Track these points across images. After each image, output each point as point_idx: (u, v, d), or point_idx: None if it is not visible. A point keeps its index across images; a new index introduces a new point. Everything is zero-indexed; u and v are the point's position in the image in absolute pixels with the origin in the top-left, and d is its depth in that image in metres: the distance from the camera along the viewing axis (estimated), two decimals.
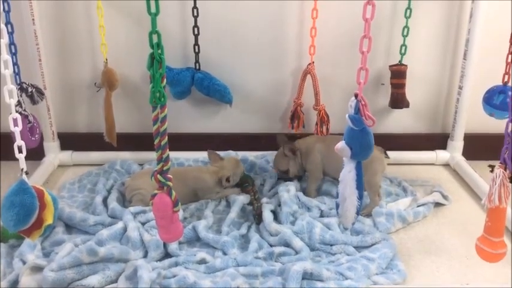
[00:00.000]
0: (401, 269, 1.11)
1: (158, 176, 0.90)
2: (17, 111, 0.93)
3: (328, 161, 1.39)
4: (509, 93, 1.22)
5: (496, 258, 0.95)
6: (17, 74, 1.29)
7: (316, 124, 1.56)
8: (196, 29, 1.52)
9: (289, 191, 1.36)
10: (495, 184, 0.89)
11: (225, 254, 1.15)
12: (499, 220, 0.93)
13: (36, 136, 1.27)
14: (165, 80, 0.85)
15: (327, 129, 1.55)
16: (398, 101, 1.57)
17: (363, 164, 0.96)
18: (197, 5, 1.49)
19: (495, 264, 1.12)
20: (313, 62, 1.54)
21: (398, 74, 1.55)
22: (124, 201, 1.38)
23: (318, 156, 1.40)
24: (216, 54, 1.58)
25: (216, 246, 1.18)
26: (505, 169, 0.89)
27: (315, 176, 1.42)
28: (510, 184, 0.91)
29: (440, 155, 1.67)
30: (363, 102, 0.88)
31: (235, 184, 1.43)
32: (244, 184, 1.44)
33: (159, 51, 0.83)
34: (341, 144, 0.94)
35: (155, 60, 0.83)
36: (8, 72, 0.90)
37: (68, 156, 1.63)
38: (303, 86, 1.57)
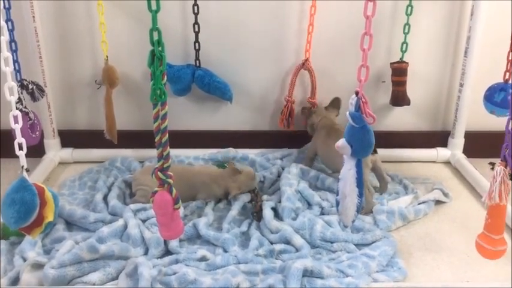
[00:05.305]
0: (401, 267, 1.11)
1: (159, 173, 0.90)
2: (17, 109, 0.93)
3: (322, 150, 1.45)
4: (510, 90, 1.22)
5: (496, 255, 0.95)
6: (17, 71, 1.29)
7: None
8: (196, 26, 1.52)
9: (291, 186, 1.36)
10: (495, 181, 0.89)
11: (225, 251, 1.16)
12: (499, 217, 0.93)
13: (37, 133, 1.28)
14: (165, 77, 0.85)
15: None
16: (399, 98, 1.57)
17: None
18: (197, 2, 1.49)
19: (496, 262, 1.12)
20: (307, 59, 1.55)
21: (399, 71, 1.55)
22: (124, 198, 1.38)
23: (313, 143, 1.48)
24: (217, 51, 1.58)
25: (216, 243, 1.18)
26: (506, 166, 0.89)
27: (308, 152, 1.54)
28: (510, 181, 0.91)
29: (441, 152, 1.67)
30: (364, 100, 0.88)
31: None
32: None
33: (160, 48, 0.82)
34: (341, 142, 0.94)
35: (156, 57, 0.83)
36: (9, 69, 0.90)
37: (68, 153, 1.63)
38: (295, 82, 1.58)
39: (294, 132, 1.62)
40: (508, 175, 0.90)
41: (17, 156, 0.90)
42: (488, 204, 0.92)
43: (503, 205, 0.91)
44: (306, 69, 1.56)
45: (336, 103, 1.54)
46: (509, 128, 0.88)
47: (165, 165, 0.90)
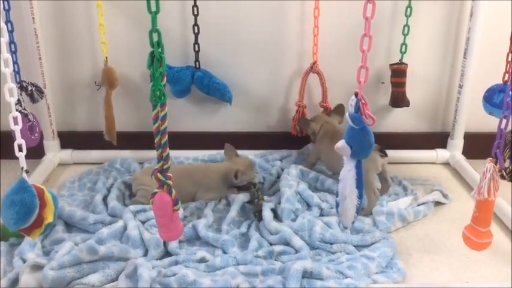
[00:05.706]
0: (401, 268, 1.11)
1: (158, 174, 0.90)
2: (17, 110, 0.93)
3: (327, 155, 1.44)
4: (509, 91, 1.22)
5: (482, 247, 0.98)
6: (17, 72, 1.29)
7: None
8: (196, 28, 1.52)
9: (291, 187, 1.36)
10: (485, 178, 0.92)
11: (225, 252, 1.16)
12: (487, 211, 0.96)
13: (36, 135, 1.27)
14: (165, 78, 0.85)
15: None
16: (398, 99, 1.57)
17: None
18: (197, 4, 1.49)
19: (495, 262, 1.12)
20: (315, 62, 1.54)
21: (398, 72, 1.55)
22: (124, 199, 1.38)
23: (316, 149, 1.48)
24: (216, 52, 1.58)
25: (216, 244, 1.18)
26: (496, 163, 0.90)
27: (310, 157, 1.53)
28: (508, 179, 0.93)
29: (441, 153, 1.67)
30: (363, 101, 0.88)
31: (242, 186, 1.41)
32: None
33: (159, 49, 0.83)
34: (341, 143, 0.94)
35: (155, 58, 0.83)
36: (8, 70, 0.90)
37: (68, 154, 1.63)
38: (304, 87, 1.57)
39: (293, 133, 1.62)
40: (498, 172, 0.92)
41: (16, 158, 0.90)
42: (477, 199, 0.95)
43: (492, 200, 0.93)
44: (315, 73, 1.56)
45: (339, 110, 1.52)
46: (502, 126, 0.90)
47: (164, 167, 0.90)
